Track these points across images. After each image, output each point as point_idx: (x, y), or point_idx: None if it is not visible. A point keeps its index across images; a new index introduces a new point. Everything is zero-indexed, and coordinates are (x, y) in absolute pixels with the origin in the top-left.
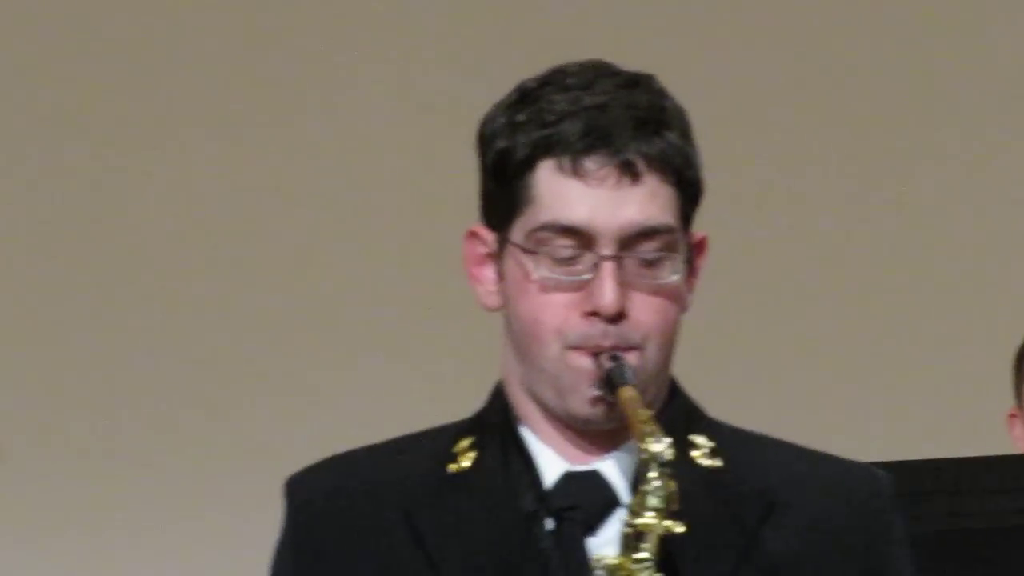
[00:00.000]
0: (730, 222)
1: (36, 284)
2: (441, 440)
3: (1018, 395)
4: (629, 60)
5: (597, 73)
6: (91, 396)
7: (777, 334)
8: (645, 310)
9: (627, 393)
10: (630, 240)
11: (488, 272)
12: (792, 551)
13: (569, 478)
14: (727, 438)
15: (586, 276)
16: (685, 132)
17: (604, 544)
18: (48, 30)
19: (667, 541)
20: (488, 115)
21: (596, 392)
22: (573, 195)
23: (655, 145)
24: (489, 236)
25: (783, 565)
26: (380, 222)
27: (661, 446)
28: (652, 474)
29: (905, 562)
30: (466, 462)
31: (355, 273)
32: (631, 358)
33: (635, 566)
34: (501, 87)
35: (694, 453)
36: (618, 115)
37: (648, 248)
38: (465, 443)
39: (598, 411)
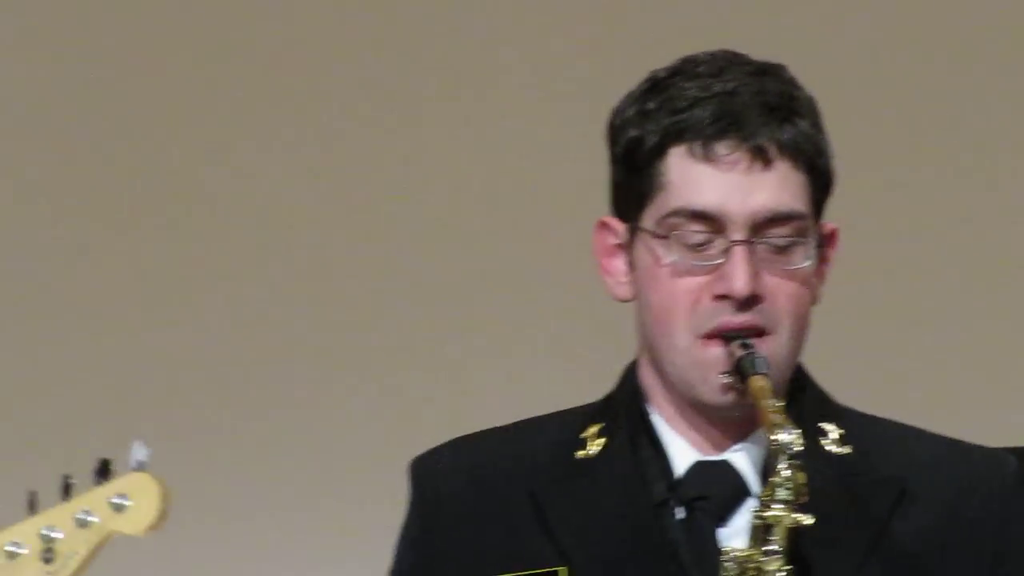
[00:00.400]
0: (861, 214)
1: (174, 283)
2: (569, 425)
3: None
4: (758, 52)
5: (727, 62)
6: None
7: (907, 322)
8: (776, 296)
9: (758, 383)
10: (761, 225)
11: (618, 262)
12: (921, 539)
13: (700, 467)
14: (856, 425)
15: (717, 261)
16: (816, 121)
17: (733, 535)
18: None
19: (796, 532)
20: (618, 106)
21: (726, 380)
22: (704, 180)
23: (786, 132)
24: (619, 226)
25: (912, 554)
26: (513, 214)
27: (790, 437)
28: (781, 466)
29: None
30: (595, 448)
31: (489, 262)
32: (762, 346)
33: (764, 558)
34: (631, 79)
35: (823, 441)
36: (749, 101)
37: (779, 234)
38: (594, 429)
39: (728, 398)
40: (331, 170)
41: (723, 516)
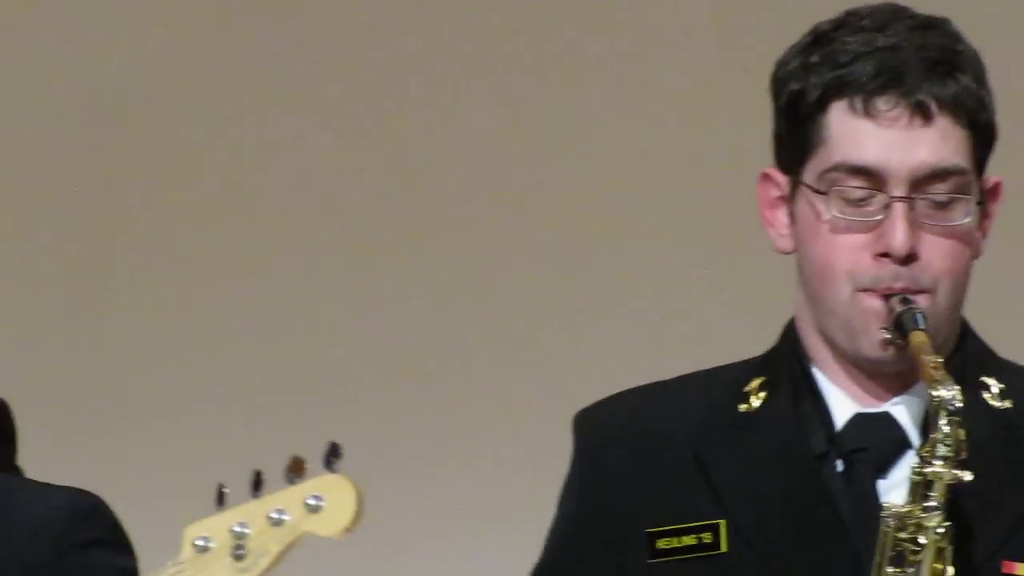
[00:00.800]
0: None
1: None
2: (732, 379)
3: None
4: (924, 6)
5: (891, 15)
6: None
7: None
8: (936, 252)
9: (917, 338)
10: (921, 181)
11: (780, 215)
12: None
13: (860, 419)
14: (1018, 379)
15: (877, 217)
16: (979, 76)
17: (893, 487)
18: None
19: (955, 488)
20: (782, 58)
21: (886, 335)
22: (865, 136)
23: (948, 87)
24: (782, 179)
25: None
26: (677, 162)
27: (950, 393)
28: (942, 422)
29: None
30: (757, 402)
31: (649, 212)
32: (922, 301)
33: (923, 514)
34: (796, 30)
35: (985, 395)
36: (911, 56)
37: (940, 190)
38: (756, 383)
39: (888, 354)
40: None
41: (882, 468)
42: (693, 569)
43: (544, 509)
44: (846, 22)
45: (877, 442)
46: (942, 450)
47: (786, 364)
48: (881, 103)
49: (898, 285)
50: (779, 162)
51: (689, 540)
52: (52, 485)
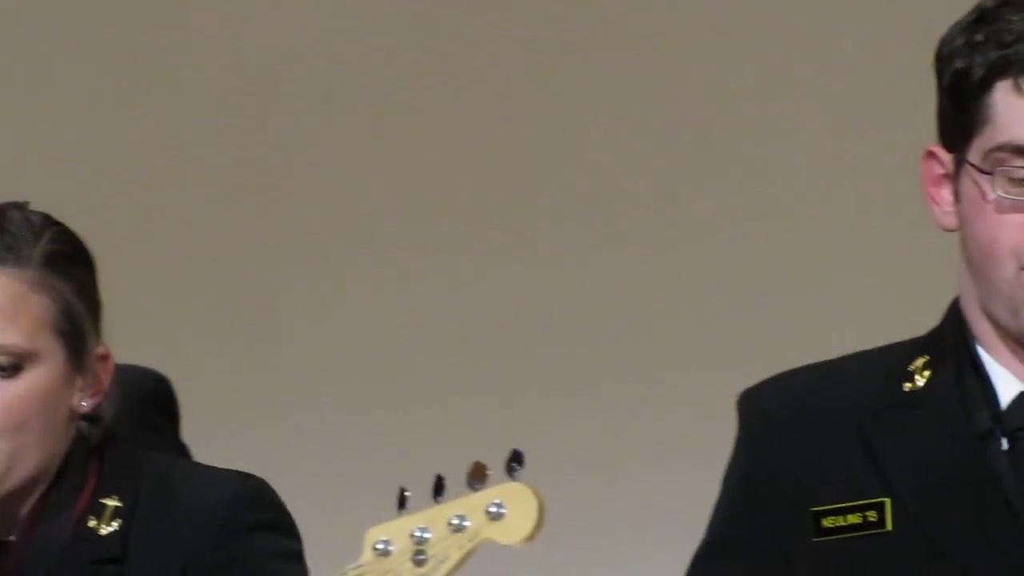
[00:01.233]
0: None
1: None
2: (897, 358)
3: None
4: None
5: None
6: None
7: None
8: None
9: None
10: None
11: (945, 193)
12: None
13: None
14: None
15: None
16: None
17: None
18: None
19: None
20: (946, 35)
21: None
22: None
23: None
24: (946, 156)
25: None
26: (838, 144)
27: None
28: None
29: None
30: (921, 381)
31: (823, 185)
32: None
33: None
34: (961, 7)
35: None
36: None
37: None
38: (920, 361)
39: None
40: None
41: None
42: (858, 547)
43: None
44: (1010, 0)
45: None
46: None
47: (950, 343)
48: None
49: None
50: (943, 140)
51: (854, 518)
52: (218, 468)
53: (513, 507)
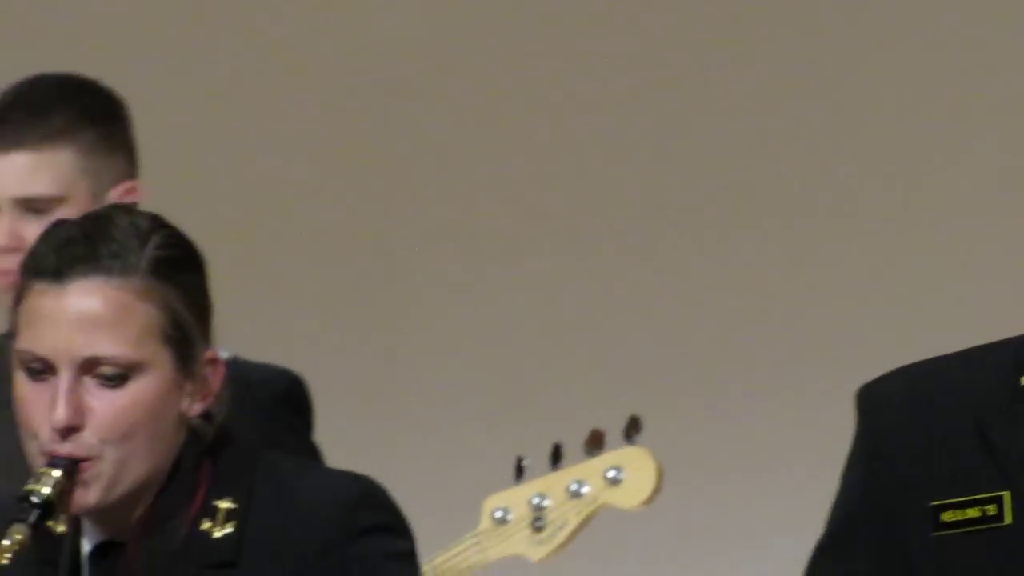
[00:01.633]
0: None
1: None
2: (1015, 351)
3: None
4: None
5: None
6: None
7: None
8: None
9: None
10: None
11: None
12: None
13: None
14: None
15: None
16: None
17: None
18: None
19: None
20: None
21: None
22: None
23: None
24: None
25: None
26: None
27: None
28: None
29: None
30: None
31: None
32: None
33: None
34: None
35: None
36: None
37: None
38: None
39: None
40: None
41: None
42: (977, 541)
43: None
44: None
45: None
46: None
47: None
48: None
49: None
50: None
51: (973, 512)
52: (333, 470)
53: (631, 471)
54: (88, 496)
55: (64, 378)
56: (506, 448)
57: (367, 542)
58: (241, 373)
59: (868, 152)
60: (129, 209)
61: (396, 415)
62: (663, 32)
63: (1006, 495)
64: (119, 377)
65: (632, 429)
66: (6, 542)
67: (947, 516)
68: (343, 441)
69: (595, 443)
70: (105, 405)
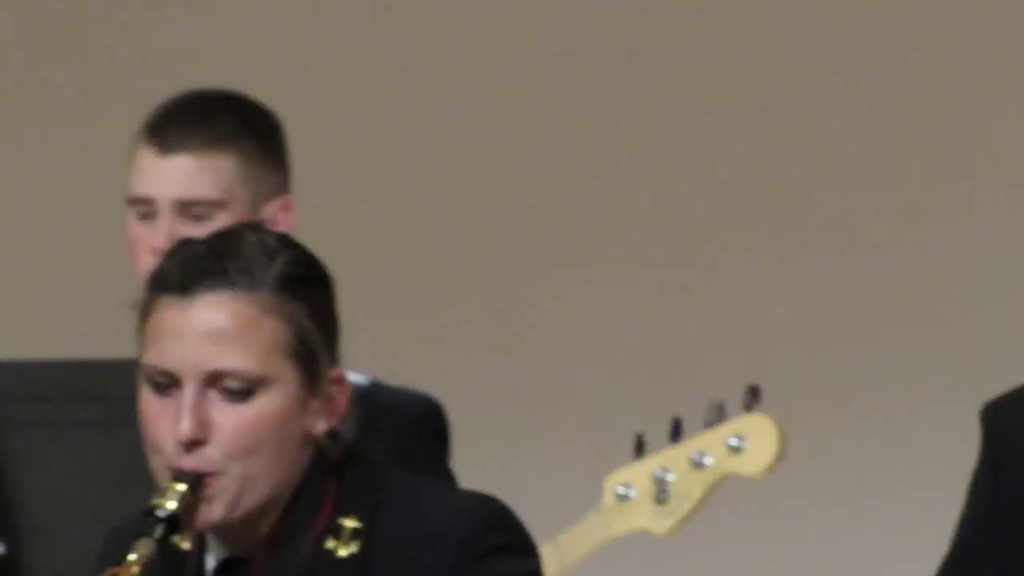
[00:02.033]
0: None
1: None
2: None
3: None
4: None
5: None
6: None
7: None
8: None
9: None
10: None
11: None
12: None
13: None
14: None
15: None
16: None
17: None
18: None
19: None
20: None
21: None
22: None
23: None
24: None
25: None
26: None
27: None
28: None
29: None
30: None
31: None
32: None
33: None
34: None
35: None
36: None
37: None
38: None
39: None
40: None
41: None
42: None
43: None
44: None
45: None
46: None
47: None
48: None
49: None
50: None
51: None
52: (459, 490)
53: (754, 439)
54: (212, 512)
55: (189, 391)
56: (624, 426)
57: (493, 562)
58: (380, 397)
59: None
60: (257, 227)
61: (518, 398)
62: (811, 46)
63: None
64: (244, 392)
65: (752, 398)
66: (132, 557)
67: None
68: (467, 425)
69: (715, 414)
70: (230, 420)
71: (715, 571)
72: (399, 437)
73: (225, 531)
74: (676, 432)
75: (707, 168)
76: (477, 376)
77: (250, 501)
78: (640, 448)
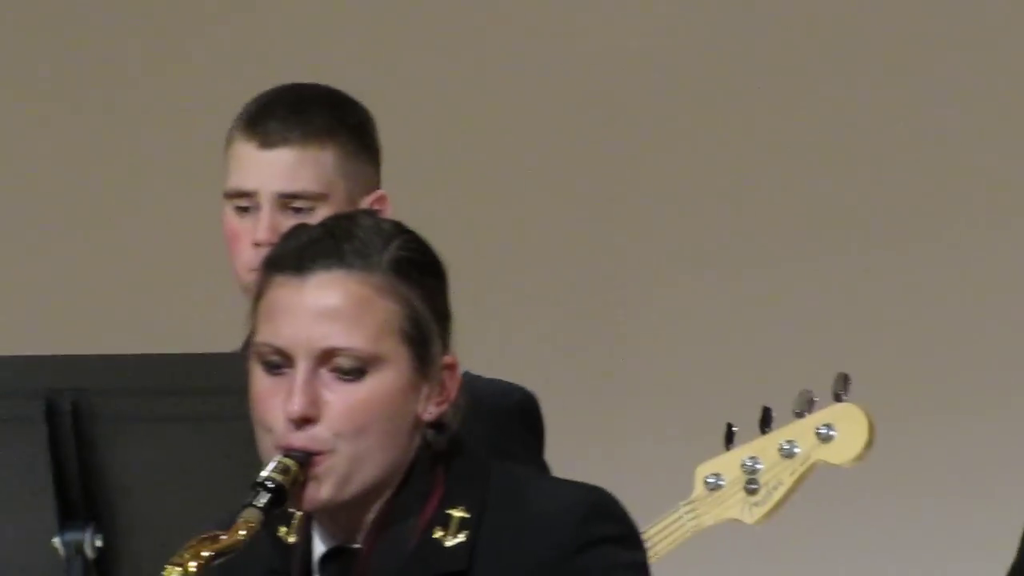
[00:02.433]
0: None
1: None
2: None
3: None
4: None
5: None
6: None
7: None
8: None
9: None
10: None
11: None
12: None
13: None
14: None
15: None
16: None
17: None
18: None
19: None
20: None
21: None
22: None
23: None
24: None
25: None
26: None
27: None
28: None
29: None
30: None
31: None
32: None
33: None
34: None
35: None
36: None
37: None
38: None
39: None
40: None
41: None
42: None
43: None
44: None
45: None
46: None
47: None
48: None
49: None
50: None
51: None
52: (565, 480)
53: (843, 427)
54: (320, 491)
55: (301, 369)
56: (715, 416)
57: (598, 553)
58: (473, 387)
59: None
60: (373, 213)
61: (610, 390)
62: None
63: None
64: (356, 371)
65: (841, 387)
66: (240, 526)
67: None
68: (561, 416)
69: (803, 403)
70: (341, 398)
71: (804, 559)
72: (494, 428)
73: (331, 514)
74: (766, 422)
75: (798, 173)
76: (571, 369)
77: (358, 482)
78: (730, 438)
